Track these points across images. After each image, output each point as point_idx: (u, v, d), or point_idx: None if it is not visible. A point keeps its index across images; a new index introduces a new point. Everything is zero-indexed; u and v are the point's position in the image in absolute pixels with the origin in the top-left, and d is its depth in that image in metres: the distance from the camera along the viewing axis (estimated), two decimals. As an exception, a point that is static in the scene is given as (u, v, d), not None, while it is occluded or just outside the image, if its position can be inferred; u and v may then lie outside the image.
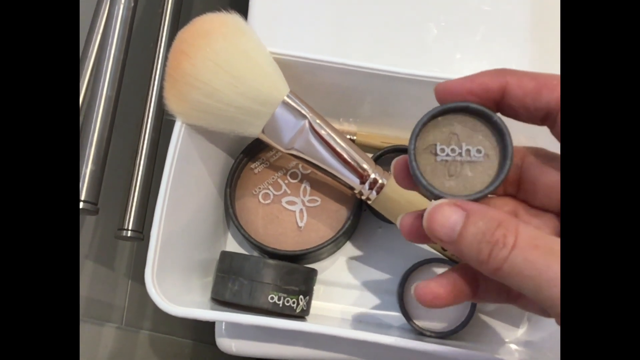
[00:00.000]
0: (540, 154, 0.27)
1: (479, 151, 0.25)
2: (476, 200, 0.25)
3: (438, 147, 0.26)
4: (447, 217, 0.24)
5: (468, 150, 0.26)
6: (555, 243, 0.22)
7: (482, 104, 0.25)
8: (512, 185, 0.28)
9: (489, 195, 0.25)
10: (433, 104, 0.26)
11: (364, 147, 0.45)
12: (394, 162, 0.28)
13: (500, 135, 0.25)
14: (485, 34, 0.50)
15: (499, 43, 0.50)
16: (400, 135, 0.46)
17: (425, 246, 0.43)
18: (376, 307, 0.44)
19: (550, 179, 0.26)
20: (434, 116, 0.26)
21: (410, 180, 0.26)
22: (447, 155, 0.26)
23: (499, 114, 0.25)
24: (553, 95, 0.24)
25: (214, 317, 0.35)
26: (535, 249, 0.22)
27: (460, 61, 0.49)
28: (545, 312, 0.29)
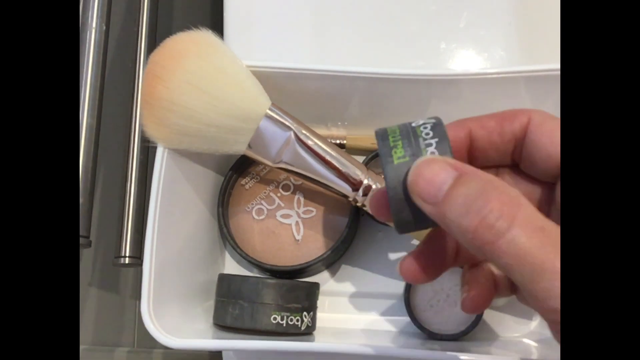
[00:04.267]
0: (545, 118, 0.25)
1: None
2: None
3: None
4: (435, 173, 0.22)
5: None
6: (557, 231, 0.20)
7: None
8: (506, 154, 0.27)
9: None
10: (419, 101, 0.26)
11: (354, 151, 0.44)
12: (369, 198, 0.27)
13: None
14: (469, 19, 0.49)
15: (484, 28, 0.49)
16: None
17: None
18: (384, 313, 0.43)
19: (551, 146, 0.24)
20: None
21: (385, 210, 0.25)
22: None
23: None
24: (514, 124, 0.25)
25: (216, 346, 0.34)
26: (541, 232, 0.19)
27: (445, 51, 0.48)
28: (525, 300, 0.27)
